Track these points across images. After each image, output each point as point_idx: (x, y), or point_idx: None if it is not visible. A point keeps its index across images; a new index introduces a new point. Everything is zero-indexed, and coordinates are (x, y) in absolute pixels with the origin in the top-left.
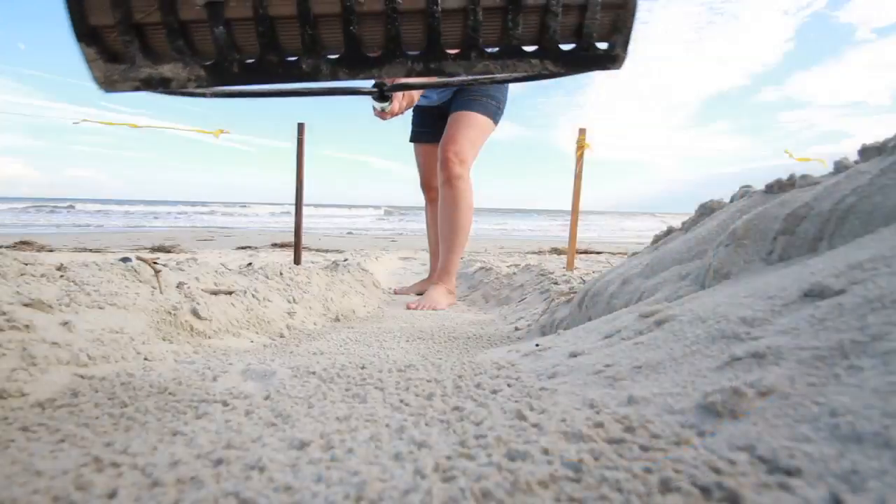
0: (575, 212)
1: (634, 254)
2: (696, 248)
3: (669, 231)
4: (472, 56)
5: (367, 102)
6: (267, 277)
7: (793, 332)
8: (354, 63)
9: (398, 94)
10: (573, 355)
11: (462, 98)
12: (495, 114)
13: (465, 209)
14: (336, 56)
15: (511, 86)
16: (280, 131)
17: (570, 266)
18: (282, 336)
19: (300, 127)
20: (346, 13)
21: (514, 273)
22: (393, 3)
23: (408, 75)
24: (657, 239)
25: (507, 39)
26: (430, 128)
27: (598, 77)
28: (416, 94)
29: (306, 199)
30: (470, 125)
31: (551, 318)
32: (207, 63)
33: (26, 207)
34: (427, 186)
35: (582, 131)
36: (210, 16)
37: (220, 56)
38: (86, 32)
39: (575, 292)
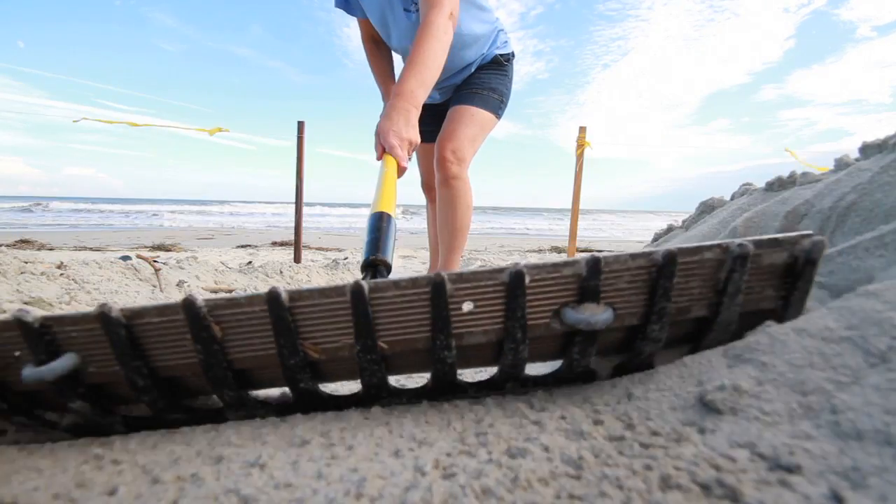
0: (575, 210)
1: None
2: None
3: (670, 229)
4: (508, 386)
5: (361, 105)
6: (267, 276)
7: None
8: (305, 406)
9: (396, 142)
10: None
11: (464, 91)
12: (498, 109)
13: (464, 209)
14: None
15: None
16: (280, 130)
17: None
18: None
19: (300, 125)
20: (294, 375)
21: None
22: (370, 351)
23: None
24: (658, 237)
25: (568, 369)
26: (432, 126)
27: (598, 76)
28: (416, 139)
29: (307, 197)
30: (470, 121)
31: None
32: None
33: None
34: (428, 187)
35: (582, 129)
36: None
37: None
38: None
39: None
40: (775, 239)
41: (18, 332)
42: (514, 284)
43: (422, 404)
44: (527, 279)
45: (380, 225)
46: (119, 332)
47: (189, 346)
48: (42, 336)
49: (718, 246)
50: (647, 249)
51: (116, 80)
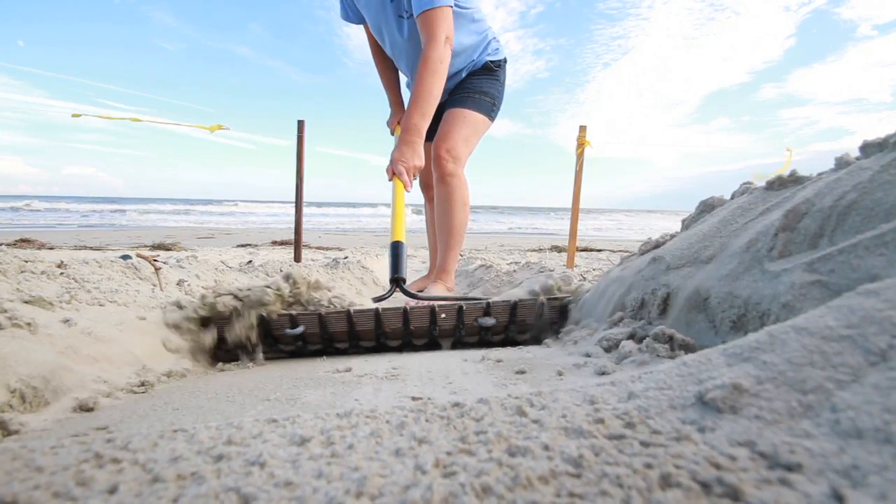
0: (575, 209)
1: (630, 255)
2: (696, 244)
3: (657, 244)
4: (459, 345)
5: (360, 104)
6: (267, 275)
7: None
8: (380, 350)
9: (404, 168)
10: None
11: (456, 95)
12: (490, 111)
13: (461, 206)
14: (370, 345)
15: (509, 82)
16: (280, 129)
17: (570, 264)
18: None
19: (300, 124)
20: (378, 337)
21: (514, 270)
22: (407, 328)
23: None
24: (644, 250)
25: (482, 335)
26: (429, 128)
27: (598, 75)
28: (421, 164)
29: (307, 196)
30: (464, 122)
31: None
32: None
33: None
34: (426, 186)
35: (582, 129)
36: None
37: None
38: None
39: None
40: (557, 297)
41: (288, 317)
42: (459, 310)
43: (422, 404)
44: (464, 307)
45: (397, 252)
46: (323, 319)
47: (344, 323)
48: (294, 319)
49: (537, 296)
50: (506, 298)
51: (116, 79)
